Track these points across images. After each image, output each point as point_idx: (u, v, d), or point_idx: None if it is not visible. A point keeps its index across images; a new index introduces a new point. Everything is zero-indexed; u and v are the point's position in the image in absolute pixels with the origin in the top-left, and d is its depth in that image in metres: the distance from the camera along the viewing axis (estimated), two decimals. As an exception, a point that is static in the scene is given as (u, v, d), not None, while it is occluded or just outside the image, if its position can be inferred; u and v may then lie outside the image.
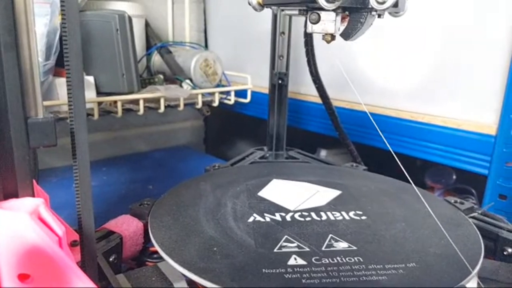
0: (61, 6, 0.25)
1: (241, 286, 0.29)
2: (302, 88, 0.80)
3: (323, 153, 0.88)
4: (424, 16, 0.60)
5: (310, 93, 0.78)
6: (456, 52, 0.59)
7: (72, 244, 0.34)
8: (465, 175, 0.67)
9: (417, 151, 0.65)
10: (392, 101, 0.67)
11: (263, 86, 0.80)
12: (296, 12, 0.31)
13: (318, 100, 0.75)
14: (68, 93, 0.27)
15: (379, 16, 0.32)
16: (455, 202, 0.45)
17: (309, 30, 0.31)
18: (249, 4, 0.32)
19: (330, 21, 0.31)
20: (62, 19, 0.26)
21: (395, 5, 0.28)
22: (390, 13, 0.32)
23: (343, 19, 0.32)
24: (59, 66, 0.56)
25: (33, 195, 0.27)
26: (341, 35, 0.31)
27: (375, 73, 0.69)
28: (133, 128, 0.86)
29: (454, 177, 0.74)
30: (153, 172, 0.77)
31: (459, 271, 0.31)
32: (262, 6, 0.31)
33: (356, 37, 0.31)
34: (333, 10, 0.29)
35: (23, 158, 0.26)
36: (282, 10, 0.32)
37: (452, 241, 0.35)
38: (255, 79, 0.80)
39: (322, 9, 0.30)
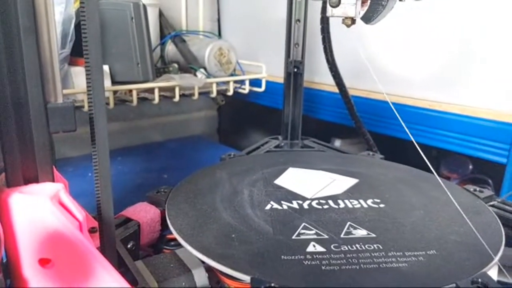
0: (79, -8, 0.25)
1: (260, 272, 0.29)
2: (316, 77, 0.79)
3: (337, 143, 0.87)
4: (442, 1, 0.59)
5: (323, 82, 0.77)
6: (475, 39, 0.58)
7: (91, 231, 0.34)
8: (481, 164, 0.66)
9: (434, 140, 0.64)
10: (409, 89, 0.66)
11: (276, 75, 0.80)
12: (317, -4, 0.31)
13: (332, 89, 0.74)
14: (87, 81, 0.27)
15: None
16: (474, 190, 0.44)
17: (329, 13, 0.31)
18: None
19: (350, 4, 0.30)
20: (81, 7, 0.26)
21: (419, -14, 0.27)
22: (411, -4, 0.31)
23: (363, 2, 0.31)
24: (74, 55, 0.56)
25: (53, 180, 0.27)
26: (362, 18, 0.31)
27: (390, 61, 0.68)
28: (148, 118, 0.87)
29: (471, 166, 0.73)
30: (167, 161, 0.77)
31: (480, 259, 0.31)
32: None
33: (376, 20, 0.31)
34: (354, -8, 0.28)
35: (43, 143, 0.26)
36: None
37: (471, 228, 0.35)
38: (268, 68, 0.79)
39: (342, -9, 0.29)
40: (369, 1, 0.32)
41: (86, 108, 0.54)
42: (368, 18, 0.30)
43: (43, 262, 0.25)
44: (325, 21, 0.53)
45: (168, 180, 0.68)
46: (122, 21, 0.57)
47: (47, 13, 0.25)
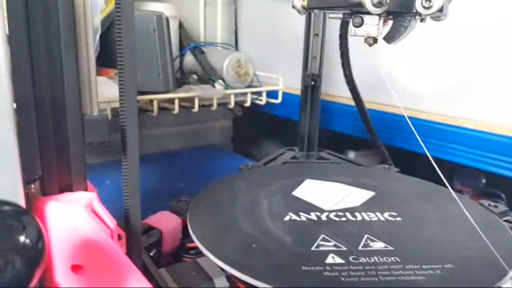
0: (116, 6, 0.27)
1: (282, 282, 0.30)
2: (330, 89, 0.80)
3: (351, 155, 0.87)
4: (457, 16, 0.59)
5: (338, 94, 0.78)
6: (490, 54, 0.58)
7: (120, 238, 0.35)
8: (495, 179, 0.65)
9: (447, 154, 0.64)
10: (422, 103, 0.66)
11: (292, 87, 0.81)
12: (340, 15, 0.32)
13: (346, 101, 0.75)
14: (120, 92, 0.28)
15: (421, 20, 0.32)
16: (489, 205, 0.44)
17: (351, 33, 0.32)
18: (293, 7, 0.33)
19: (373, 25, 0.31)
20: (117, 19, 0.27)
21: (440, 9, 0.28)
22: (432, 18, 0.32)
23: (384, 22, 0.32)
24: (98, 65, 0.58)
25: (86, 190, 0.28)
26: (384, 38, 0.32)
27: (404, 74, 0.68)
28: (164, 126, 0.88)
29: (484, 180, 0.73)
30: (183, 170, 0.78)
31: (495, 273, 0.31)
32: (307, 9, 0.32)
33: (398, 40, 0.32)
34: (378, 14, 0.29)
35: (78, 153, 0.27)
36: (326, 13, 0.32)
37: (487, 243, 0.35)
38: (284, 80, 0.80)
39: (366, 12, 0.30)
40: (390, 21, 0.33)
41: (109, 117, 0.56)
42: (390, 38, 0.31)
43: (75, 268, 0.26)
44: (343, 37, 0.54)
45: (184, 189, 0.69)
46: (145, 33, 0.59)
47: (86, 30, 0.27)
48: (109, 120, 0.57)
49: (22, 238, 0.18)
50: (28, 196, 0.25)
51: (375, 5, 0.28)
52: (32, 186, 0.26)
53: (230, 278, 0.34)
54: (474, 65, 0.60)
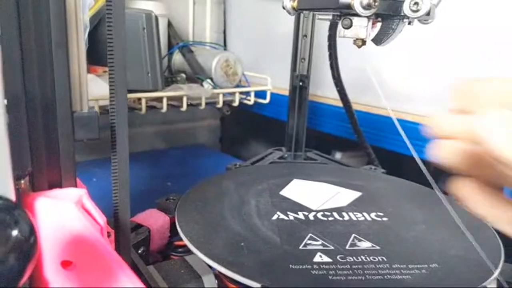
0: (107, 4, 0.27)
1: (270, 280, 0.30)
2: (319, 90, 0.80)
3: (338, 155, 0.88)
4: (450, 18, 0.61)
5: (326, 95, 0.79)
6: (480, 55, 0.59)
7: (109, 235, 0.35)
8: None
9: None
10: (410, 105, 0.68)
11: (280, 87, 0.81)
12: (330, 17, 0.32)
13: (334, 102, 0.76)
14: (110, 90, 0.28)
15: (409, 23, 0.33)
16: (475, 206, 0.45)
17: (340, 34, 0.32)
18: (283, 8, 0.33)
19: (362, 27, 0.32)
20: (108, 17, 0.27)
21: (428, 13, 0.29)
22: (419, 21, 0.33)
23: (373, 24, 0.33)
24: (87, 62, 0.58)
25: (75, 186, 0.28)
26: (373, 40, 0.32)
27: (393, 76, 0.70)
28: (152, 125, 0.88)
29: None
30: (171, 169, 0.78)
31: (480, 273, 0.32)
32: (296, 10, 0.32)
33: (387, 42, 0.32)
34: (367, 17, 0.30)
35: (68, 150, 0.27)
36: (316, 14, 0.33)
37: (472, 243, 0.36)
38: (272, 80, 0.81)
39: (355, 14, 0.30)
40: (378, 24, 0.33)
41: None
42: (378, 40, 0.32)
43: (65, 264, 0.26)
44: (332, 38, 0.55)
45: (172, 187, 0.69)
46: (134, 31, 0.59)
47: (77, 27, 0.27)
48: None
49: (14, 233, 0.18)
50: (18, 192, 0.25)
51: (364, 7, 0.28)
52: (22, 182, 0.26)
53: (218, 276, 0.34)
54: (466, 68, 0.61)
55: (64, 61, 0.26)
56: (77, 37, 0.27)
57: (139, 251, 0.38)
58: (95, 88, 0.57)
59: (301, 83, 0.63)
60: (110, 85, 0.28)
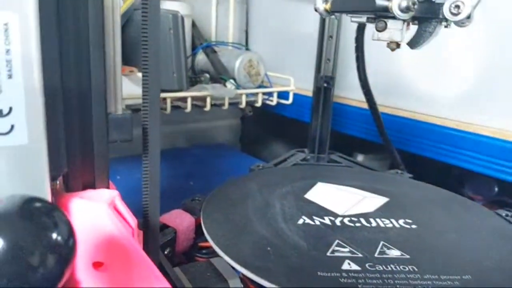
0: (143, 5, 0.27)
1: (297, 286, 0.30)
2: (342, 91, 0.79)
3: (359, 158, 0.87)
4: (476, 21, 0.59)
5: (349, 96, 0.78)
6: (508, 60, 0.58)
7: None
8: (507, 187, 0.65)
9: (461, 160, 0.64)
10: (437, 109, 0.66)
11: (303, 88, 0.81)
12: (364, 19, 0.32)
13: (357, 103, 0.75)
14: (143, 90, 0.28)
15: (445, 26, 0.32)
16: (506, 215, 0.44)
17: (374, 37, 0.32)
18: (316, 10, 0.33)
19: (397, 30, 0.31)
20: (143, 18, 0.27)
21: (468, 16, 0.28)
22: (456, 24, 0.32)
23: (407, 26, 0.32)
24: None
25: (108, 187, 0.28)
26: (408, 43, 0.31)
27: (419, 79, 0.68)
28: (174, 124, 0.88)
29: (496, 188, 0.72)
30: (192, 168, 0.78)
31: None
32: (330, 12, 0.32)
33: (422, 46, 0.31)
34: (404, 20, 0.29)
35: (102, 151, 0.27)
36: (350, 17, 0.32)
37: (506, 254, 0.35)
38: (295, 81, 0.80)
39: (391, 17, 0.30)
40: (413, 26, 0.33)
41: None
42: (414, 43, 0.31)
43: (97, 265, 0.26)
44: (359, 40, 0.54)
45: (194, 187, 0.69)
46: (161, 32, 0.59)
47: (114, 28, 0.27)
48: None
49: (54, 235, 0.18)
50: (53, 193, 0.25)
51: (402, 10, 0.27)
52: (57, 182, 0.26)
53: (243, 279, 0.34)
54: (492, 70, 0.60)
55: (101, 62, 0.26)
56: (113, 38, 0.27)
57: (165, 252, 0.38)
58: (124, 88, 0.57)
59: (325, 84, 0.62)
60: (143, 86, 0.28)
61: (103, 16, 0.26)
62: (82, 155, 0.27)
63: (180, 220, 0.40)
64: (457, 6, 0.28)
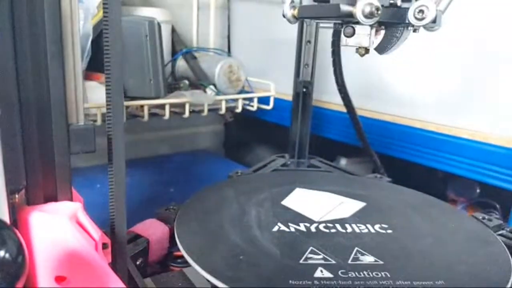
0: (104, 12, 0.26)
1: (269, 296, 0.29)
2: (323, 95, 0.80)
3: (342, 162, 0.87)
4: (454, 27, 0.60)
5: (330, 101, 0.78)
6: (486, 64, 0.59)
7: (102, 247, 0.35)
8: (489, 190, 0.66)
9: (442, 164, 0.65)
10: (418, 112, 0.67)
11: (284, 93, 0.81)
12: (331, 25, 0.32)
13: (339, 108, 0.75)
14: (107, 99, 0.27)
15: (414, 30, 0.32)
16: (483, 218, 0.44)
17: (343, 43, 0.32)
18: (284, 16, 0.32)
19: (364, 35, 0.31)
20: (104, 25, 0.26)
21: (434, 20, 0.28)
22: (425, 28, 0.32)
23: (376, 31, 0.32)
24: (90, 69, 0.58)
25: (71, 199, 0.27)
26: (376, 49, 0.31)
27: (400, 83, 0.69)
28: (155, 131, 0.87)
29: (478, 191, 0.73)
30: (174, 175, 0.78)
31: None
32: (297, 18, 0.32)
33: (391, 51, 0.31)
34: (369, 25, 0.29)
35: (64, 163, 0.27)
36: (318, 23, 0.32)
37: (480, 258, 0.35)
38: (276, 86, 0.80)
39: (357, 23, 0.30)
40: (382, 32, 0.33)
41: (99, 122, 0.55)
42: (382, 48, 0.31)
43: (59, 280, 0.26)
44: (336, 44, 0.54)
45: (174, 194, 0.68)
46: (137, 38, 0.59)
47: (73, 37, 0.26)
48: (99, 125, 0.56)
49: (1, 253, 0.17)
50: (12, 206, 0.24)
51: (366, 16, 0.27)
52: (17, 196, 0.25)
53: (216, 289, 0.33)
54: (472, 74, 0.60)
55: (60, 72, 0.26)
56: (72, 46, 0.27)
57: (138, 262, 0.37)
58: (98, 96, 0.57)
59: (304, 89, 0.62)
60: (106, 94, 0.27)
61: (61, 25, 0.25)
62: (43, 168, 0.26)
63: (153, 230, 0.40)
64: (421, 11, 0.28)
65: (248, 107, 0.77)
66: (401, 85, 0.69)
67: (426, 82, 0.66)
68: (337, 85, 0.59)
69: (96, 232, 0.27)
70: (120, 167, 0.29)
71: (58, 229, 0.25)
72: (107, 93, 0.27)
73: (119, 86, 0.27)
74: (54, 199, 0.27)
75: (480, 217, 0.44)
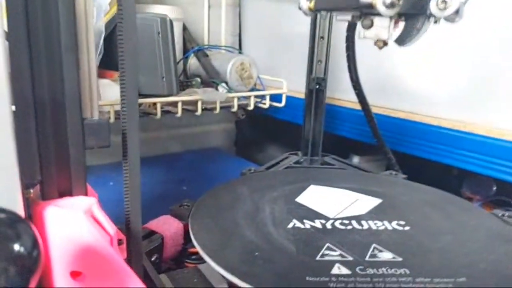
0: (118, 9, 0.26)
1: (285, 293, 0.29)
2: (336, 93, 0.79)
3: (355, 160, 0.86)
4: (470, 19, 0.59)
5: (343, 98, 0.77)
6: (503, 59, 0.57)
7: (118, 243, 0.35)
8: (506, 187, 0.64)
9: (457, 161, 0.63)
10: (432, 108, 0.66)
11: (296, 90, 0.80)
12: (349, 17, 0.31)
13: (352, 105, 0.74)
14: (121, 95, 0.27)
15: (435, 22, 0.31)
16: (502, 215, 0.43)
17: (360, 36, 0.31)
18: (300, 8, 0.32)
19: (383, 27, 0.30)
20: (119, 22, 0.26)
21: (456, 11, 0.27)
22: (446, 19, 0.31)
23: (395, 23, 0.31)
24: (102, 67, 0.58)
25: (86, 194, 0.27)
26: (396, 40, 0.31)
27: (414, 79, 0.68)
28: (167, 129, 0.87)
29: (494, 188, 0.72)
30: (186, 173, 0.78)
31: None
32: (313, 11, 0.31)
33: (411, 43, 0.31)
34: (389, 16, 0.28)
35: (78, 158, 0.26)
36: (334, 15, 0.32)
37: (501, 256, 0.34)
38: (288, 83, 0.79)
39: (377, 14, 0.29)
40: (401, 23, 0.32)
41: (112, 120, 0.55)
42: (401, 40, 0.31)
43: (74, 275, 0.25)
44: (350, 39, 0.53)
45: (187, 192, 0.68)
46: (149, 36, 0.59)
47: (87, 33, 0.26)
48: (112, 123, 0.56)
49: (16, 247, 0.17)
50: (27, 201, 0.24)
51: (387, 6, 0.27)
52: (32, 190, 0.25)
53: (232, 285, 0.33)
54: (487, 69, 0.59)
55: (74, 66, 0.26)
56: (87, 41, 0.26)
57: (152, 259, 0.37)
58: (111, 93, 0.57)
59: (317, 86, 0.61)
60: (121, 92, 0.27)
61: (75, 21, 0.25)
62: (57, 162, 0.26)
63: (167, 226, 0.39)
64: (444, 2, 0.28)
65: (260, 105, 0.77)
66: (416, 80, 0.67)
67: (441, 77, 0.64)
68: (351, 81, 0.58)
69: (111, 227, 0.27)
70: (135, 163, 0.28)
71: (73, 224, 0.25)
72: (121, 89, 0.27)
73: (133, 82, 0.27)
74: (69, 194, 0.27)
75: (500, 214, 0.43)
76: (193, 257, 0.40)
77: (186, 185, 0.71)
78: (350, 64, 0.56)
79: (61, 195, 0.27)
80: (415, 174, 0.58)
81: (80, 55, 0.26)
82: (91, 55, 0.27)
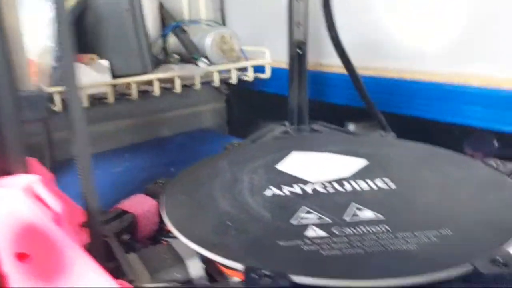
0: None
1: (255, 260, 0.27)
2: (324, 59, 0.76)
3: (351, 127, 0.84)
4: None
5: (332, 64, 0.74)
6: (495, 2, 0.53)
7: (83, 225, 0.33)
8: (508, 139, 0.61)
9: (454, 116, 0.60)
10: (422, 63, 0.62)
11: (283, 61, 0.77)
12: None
13: (342, 70, 0.71)
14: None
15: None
16: (496, 163, 0.40)
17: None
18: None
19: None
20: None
21: None
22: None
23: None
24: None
25: (26, 172, 0.25)
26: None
27: (400, 33, 0.64)
28: (155, 113, 0.85)
29: (495, 142, 0.68)
30: (176, 155, 0.76)
31: (499, 235, 0.28)
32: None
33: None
34: None
35: (14, 133, 0.25)
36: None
37: (493, 204, 0.32)
38: (274, 54, 0.76)
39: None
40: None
41: (85, 105, 0.54)
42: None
43: (21, 257, 0.24)
44: (325, -5, 0.50)
45: (175, 173, 0.66)
46: (117, 14, 0.56)
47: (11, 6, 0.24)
48: (86, 108, 0.54)
49: None
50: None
51: None
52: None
53: (209, 259, 0.31)
54: (479, 13, 0.55)
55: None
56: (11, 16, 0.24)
57: (124, 238, 0.35)
58: (82, 77, 0.55)
59: (298, 50, 0.59)
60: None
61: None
62: (-11, 138, 0.24)
63: (139, 205, 0.38)
64: None
65: (244, 78, 0.74)
66: (400, 35, 0.64)
67: (427, 28, 0.61)
68: (332, 41, 0.55)
69: (57, 204, 0.25)
70: (83, 141, 0.26)
71: (11, 203, 0.23)
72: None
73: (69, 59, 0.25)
74: (8, 173, 0.25)
75: (494, 164, 0.40)
76: (170, 234, 0.38)
77: (175, 167, 0.69)
78: (329, 23, 0.53)
79: (1, 174, 0.25)
80: (412, 134, 0.55)
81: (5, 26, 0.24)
82: (15, 29, 0.24)
